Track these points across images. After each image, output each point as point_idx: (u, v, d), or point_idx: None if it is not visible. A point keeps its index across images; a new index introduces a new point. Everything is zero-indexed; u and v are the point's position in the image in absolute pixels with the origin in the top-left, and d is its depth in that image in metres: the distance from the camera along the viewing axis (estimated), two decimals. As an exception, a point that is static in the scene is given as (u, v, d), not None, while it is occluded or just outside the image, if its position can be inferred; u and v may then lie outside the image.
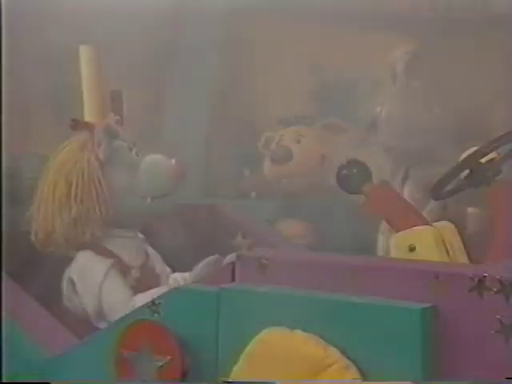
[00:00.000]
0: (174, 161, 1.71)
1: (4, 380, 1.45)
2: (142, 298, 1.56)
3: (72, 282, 1.63)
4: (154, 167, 1.70)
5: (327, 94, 3.26)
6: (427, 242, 1.47)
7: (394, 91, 2.20)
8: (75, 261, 1.65)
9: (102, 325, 1.59)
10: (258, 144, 3.02)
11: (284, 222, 2.77)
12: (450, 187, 1.70)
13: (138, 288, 1.62)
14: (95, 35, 3.42)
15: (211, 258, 1.61)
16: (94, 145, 1.65)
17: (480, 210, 1.89)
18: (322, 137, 2.91)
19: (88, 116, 1.86)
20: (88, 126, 1.69)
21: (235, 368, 1.18)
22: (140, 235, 1.77)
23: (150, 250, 1.75)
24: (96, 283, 1.62)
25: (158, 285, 1.64)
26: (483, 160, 1.65)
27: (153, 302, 1.28)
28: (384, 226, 1.92)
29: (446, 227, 1.55)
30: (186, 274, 1.65)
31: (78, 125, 1.70)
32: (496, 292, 1.07)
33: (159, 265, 1.72)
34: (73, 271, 1.64)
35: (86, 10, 3.51)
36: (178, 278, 1.67)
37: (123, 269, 1.65)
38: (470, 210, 2.04)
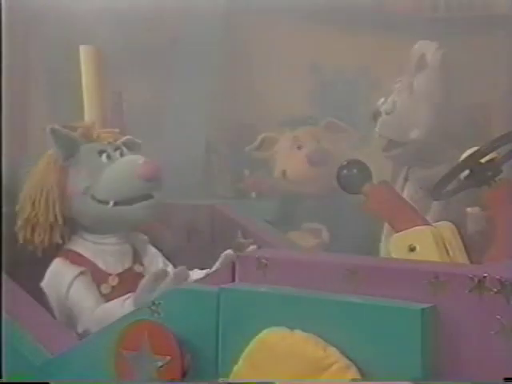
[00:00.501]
0: (141, 161, 1.62)
1: (4, 380, 1.45)
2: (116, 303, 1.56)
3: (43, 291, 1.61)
4: (115, 170, 1.63)
5: (327, 95, 3.26)
6: (427, 242, 1.47)
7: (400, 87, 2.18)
8: (48, 269, 1.63)
9: (79, 329, 1.58)
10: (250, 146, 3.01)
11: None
12: (450, 187, 1.70)
13: (113, 295, 1.59)
14: (95, 35, 3.44)
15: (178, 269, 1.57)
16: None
17: (480, 210, 1.88)
18: (323, 138, 2.90)
19: (88, 116, 1.87)
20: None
21: (235, 368, 1.18)
22: (143, 236, 1.75)
23: (151, 250, 1.73)
24: (62, 292, 1.59)
25: None
26: (483, 160, 1.65)
27: (153, 302, 1.28)
28: (387, 229, 1.92)
29: (446, 227, 1.55)
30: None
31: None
32: (496, 292, 1.07)
33: (157, 267, 1.69)
34: (43, 281, 1.62)
35: (85, 10, 3.51)
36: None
37: (97, 276, 1.62)
38: (470, 210, 2.04)
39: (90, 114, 1.87)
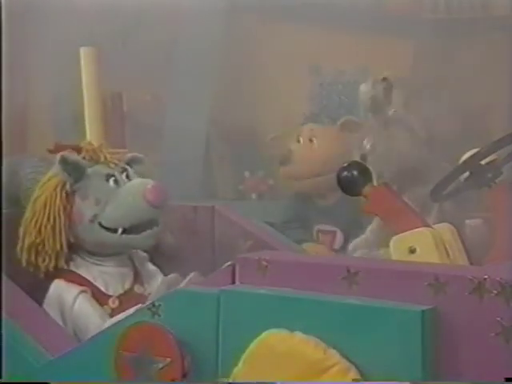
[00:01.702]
0: (149, 185, 1.58)
1: (4, 380, 1.45)
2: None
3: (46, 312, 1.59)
4: (123, 196, 1.59)
5: (326, 95, 3.26)
6: (427, 244, 1.47)
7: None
8: (49, 291, 1.61)
9: None
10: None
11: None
12: (450, 189, 1.70)
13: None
14: (95, 36, 3.44)
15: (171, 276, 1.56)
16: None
17: (480, 211, 1.88)
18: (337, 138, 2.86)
19: (88, 118, 1.87)
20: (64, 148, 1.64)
21: (235, 370, 1.18)
22: (142, 254, 1.72)
23: (150, 268, 1.71)
24: (66, 310, 1.57)
25: None
26: (484, 162, 1.65)
27: (153, 303, 1.28)
28: (375, 224, 1.91)
29: (446, 229, 1.55)
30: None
31: (58, 148, 1.65)
32: (496, 294, 1.07)
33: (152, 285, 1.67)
34: (45, 302, 1.60)
35: (85, 11, 3.51)
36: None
37: (97, 298, 1.59)
38: (469, 221, 2.05)
39: (90, 115, 1.87)
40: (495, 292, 1.07)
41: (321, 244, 2.69)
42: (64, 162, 1.59)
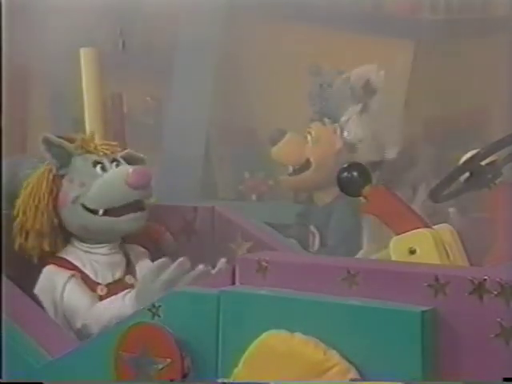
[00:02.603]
0: (130, 170, 1.61)
1: (4, 380, 1.45)
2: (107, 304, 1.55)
3: (37, 298, 1.60)
4: (105, 179, 1.62)
5: (326, 96, 3.26)
6: (428, 245, 1.47)
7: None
8: (40, 276, 1.63)
9: (78, 324, 1.57)
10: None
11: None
12: (449, 190, 1.70)
13: None
14: (95, 36, 3.44)
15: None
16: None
17: (480, 212, 1.89)
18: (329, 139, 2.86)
19: (88, 118, 1.87)
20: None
21: (235, 371, 1.18)
22: (141, 249, 1.73)
23: (147, 264, 1.70)
24: (56, 294, 1.59)
25: None
26: (483, 163, 1.65)
27: (153, 304, 1.28)
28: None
29: (446, 230, 1.55)
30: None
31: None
32: (496, 295, 1.07)
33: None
34: (36, 287, 1.62)
35: (85, 11, 3.52)
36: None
37: (87, 284, 1.62)
38: (470, 212, 2.05)
39: (90, 116, 1.87)
40: (495, 293, 1.07)
41: None
42: (47, 142, 1.63)
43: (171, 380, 1.24)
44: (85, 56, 1.89)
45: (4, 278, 1.53)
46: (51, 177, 1.64)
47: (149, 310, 1.28)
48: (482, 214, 1.82)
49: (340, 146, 2.65)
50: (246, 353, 1.18)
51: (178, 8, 3.29)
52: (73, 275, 1.61)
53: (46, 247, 1.64)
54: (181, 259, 1.50)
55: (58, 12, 3.46)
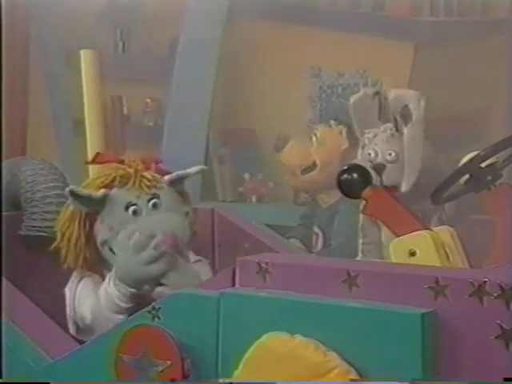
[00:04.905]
0: (160, 235, 1.49)
1: (3, 380, 1.45)
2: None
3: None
4: (126, 246, 1.52)
5: (327, 98, 3.26)
6: (427, 247, 1.47)
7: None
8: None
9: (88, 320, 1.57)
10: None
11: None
12: (450, 192, 1.71)
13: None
14: (95, 38, 3.44)
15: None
16: None
17: (480, 214, 1.89)
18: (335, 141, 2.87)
19: (88, 120, 1.87)
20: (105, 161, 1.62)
21: (235, 373, 1.18)
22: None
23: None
24: (71, 296, 1.59)
25: None
26: (483, 164, 1.65)
27: (153, 306, 1.28)
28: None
29: (446, 232, 1.56)
30: None
31: (103, 159, 1.63)
32: (496, 297, 1.07)
33: None
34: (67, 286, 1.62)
35: (86, 13, 3.52)
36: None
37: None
38: (471, 214, 2.05)
39: (90, 117, 1.87)
40: (495, 295, 1.07)
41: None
42: (74, 195, 1.55)
43: (172, 380, 1.24)
44: (85, 57, 1.89)
45: (4, 279, 1.53)
46: (83, 215, 1.57)
47: (149, 312, 1.28)
48: (482, 215, 1.82)
49: (345, 147, 2.67)
50: (246, 355, 1.17)
51: (178, 9, 3.30)
52: (90, 275, 1.60)
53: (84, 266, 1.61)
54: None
55: (59, 13, 3.46)
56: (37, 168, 1.75)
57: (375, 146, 2.20)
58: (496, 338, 1.06)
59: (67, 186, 1.73)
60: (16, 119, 3.24)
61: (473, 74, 2.98)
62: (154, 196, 1.56)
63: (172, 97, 3.29)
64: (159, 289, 1.49)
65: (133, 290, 1.50)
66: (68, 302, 1.60)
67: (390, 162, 2.17)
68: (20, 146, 3.26)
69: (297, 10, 3.24)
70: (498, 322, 1.06)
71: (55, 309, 1.59)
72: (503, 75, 3.10)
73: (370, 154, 2.19)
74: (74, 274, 1.62)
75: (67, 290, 1.62)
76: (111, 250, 1.56)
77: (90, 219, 1.57)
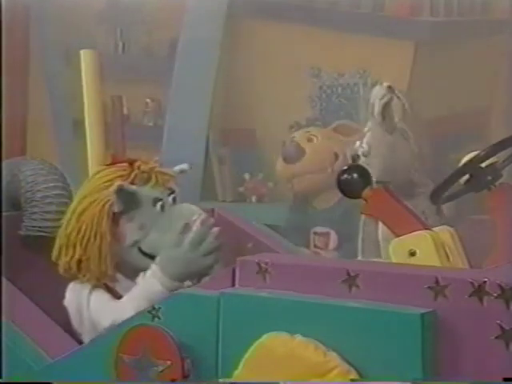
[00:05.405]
0: (195, 216, 1.51)
1: (3, 380, 1.45)
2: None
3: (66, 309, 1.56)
4: (166, 226, 1.53)
5: (327, 98, 3.26)
6: (427, 247, 1.47)
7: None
8: (67, 290, 1.59)
9: (105, 323, 1.53)
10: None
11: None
12: (450, 192, 1.71)
13: None
14: (95, 38, 3.44)
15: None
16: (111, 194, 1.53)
17: (480, 214, 1.89)
18: (334, 137, 2.89)
19: (88, 120, 1.87)
20: (124, 162, 1.58)
21: (235, 373, 1.18)
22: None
23: None
24: (83, 307, 1.54)
25: None
26: (483, 164, 1.65)
27: (153, 306, 1.28)
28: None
29: (446, 232, 1.55)
30: None
31: (116, 161, 1.59)
32: (496, 297, 1.07)
33: None
34: (65, 299, 1.57)
35: (86, 13, 3.52)
36: None
37: (112, 292, 1.56)
38: (471, 214, 2.05)
39: (90, 117, 1.87)
40: (495, 295, 1.07)
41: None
42: (121, 192, 1.52)
43: (172, 380, 1.24)
44: (85, 57, 1.89)
45: (4, 279, 1.53)
46: (111, 214, 1.53)
47: (149, 312, 1.28)
48: (482, 215, 1.82)
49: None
50: (246, 355, 1.18)
51: (178, 9, 3.30)
52: (97, 285, 1.56)
53: (98, 282, 1.56)
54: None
55: (59, 13, 3.46)
56: (37, 168, 1.74)
57: (363, 138, 2.21)
58: (496, 338, 1.06)
59: (67, 185, 1.74)
60: (16, 119, 3.24)
61: (473, 73, 2.98)
62: (172, 191, 1.58)
63: (172, 97, 3.29)
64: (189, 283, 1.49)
65: (179, 284, 1.47)
66: (75, 314, 1.55)
67: (364, 155, 2.17)
68: (20, 145, 3.26)
69: (297, 10, 3.24)
70: (498, 321, 1.06)
71: (55, 309, 1.58)
72: (503, 75, 3.10)
73: (356, 144, 2.20)
74: (77, 286, 1.56)
75: (71, 303, 1.56)
76: (140, 250, 1.54)
77: (115, 222, 1.54)
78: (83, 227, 1.54)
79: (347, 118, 3.06)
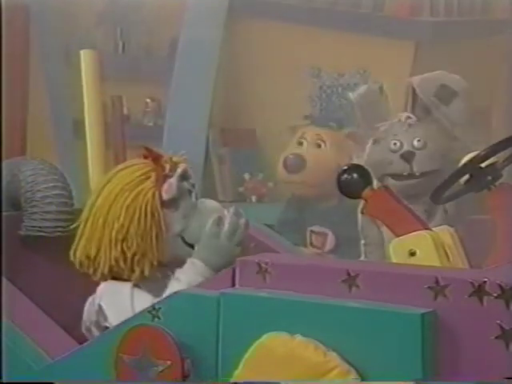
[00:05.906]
0: (231, 211, 1.53)
1: (4, 380, 1.45)
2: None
3: (101, 309, 1.51)
4: (202, 216, 1.54)
5: (327, 98, 3.26)
6: (427, 247, 1.47)
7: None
8: (100, 288, 1.54)
9: None
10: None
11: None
12: (450, 192, 1.71)
13: None
14: (95, 37, 3.44)
15: None
16: (159, 181, 1.52)
17: (480, 214, 1.89)
18: (344, 145, 2.87)
19: (88, 120, 1.87)
20: (158, 157, 1.57)
21: (236, 373, 1.18)
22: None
23: None
24: (127, 306, 1.49)
25: None
26: (484, 164, 1.65)
27: (153, 307, 1.28)
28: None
29: (446, 232, 1.55)
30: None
31: (150, 154, 1.57)
32: (496, 297, 1.07)
33: None
34: (101, 299, 1.53)
35: (85, 13, 3.52)
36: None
37: None
38: (471, 214, 2.05)
39: (90, 117, 1.87)
40: (495, 295, 1.07)
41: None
42: (184, 176, 1.56)
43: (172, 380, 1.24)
44: (85, 57, 1.89)
45: (4, 279, 1.53)
46: (160, 202, 1.53)
47: (149, 312, 1.28)
48: (482, 215, 1.82)
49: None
50: (246, 355, 1.18)
51: (178, 9, 3.30)
52: (135, 284, 1.53)
53: (147, 273, 1.53)
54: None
55: (59, 13, 3.46)
56: (37, 168, 1.74)
57: (395, 137, 2.21)
58: (496, 338, 1.06)
59: (67, 185, 1.74)
60: (16, 119, 3.24)
61: (473, 73, 2.98)
62: (194, 184, 1.60)
63: (172, 97, 3.28)
64: None
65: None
66: (114, 313, 1.50)
67: (418, 149, 2.19)
68: (20, 145, 3.25)
69: (297, 10, 3.24)
70: (498, 321, 1.06)
71: (55, 309, 1.59)
72: (503, 75, 3.10)
73: (395, 144, 2.21)
74: (116, 285, 1.53)
75: (110, 303, 1.52)
76: (183, 239, 1.54)
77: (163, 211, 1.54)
78: (135, 219, 1.51)
79: (347, 118, 3.05)
